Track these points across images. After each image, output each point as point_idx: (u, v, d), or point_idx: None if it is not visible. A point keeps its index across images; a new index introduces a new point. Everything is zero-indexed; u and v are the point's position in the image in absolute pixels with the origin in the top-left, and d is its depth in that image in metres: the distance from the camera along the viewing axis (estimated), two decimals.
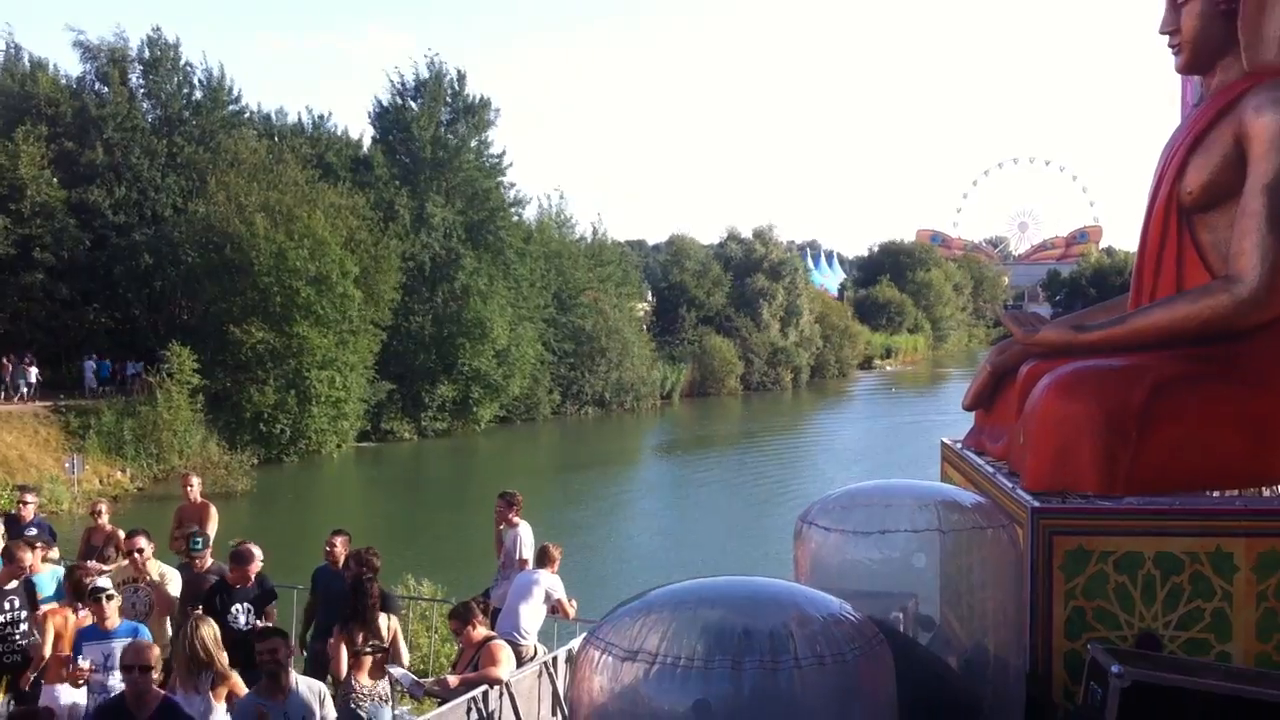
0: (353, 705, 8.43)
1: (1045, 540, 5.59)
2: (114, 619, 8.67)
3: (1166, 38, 6.47)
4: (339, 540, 11.09)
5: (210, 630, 7.97)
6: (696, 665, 3.53)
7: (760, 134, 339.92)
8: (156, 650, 7.71)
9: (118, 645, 8.36)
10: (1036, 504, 5.68)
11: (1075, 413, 5.78)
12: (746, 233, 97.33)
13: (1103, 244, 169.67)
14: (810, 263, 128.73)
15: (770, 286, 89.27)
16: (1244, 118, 5.96)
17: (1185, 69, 6.65)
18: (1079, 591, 5.59)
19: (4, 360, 47.34)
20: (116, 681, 8.17)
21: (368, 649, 8.76)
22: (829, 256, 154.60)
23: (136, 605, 10.04)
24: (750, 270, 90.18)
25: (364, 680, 8.61)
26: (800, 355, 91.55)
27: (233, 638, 9.05)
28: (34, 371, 47.31)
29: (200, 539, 11.31)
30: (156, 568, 10.50)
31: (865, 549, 5.02)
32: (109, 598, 8.72)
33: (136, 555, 10.22)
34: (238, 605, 9.84)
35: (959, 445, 7.62)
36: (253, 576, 10.05)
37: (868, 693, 3.82)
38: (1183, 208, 6.25)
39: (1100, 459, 5.73)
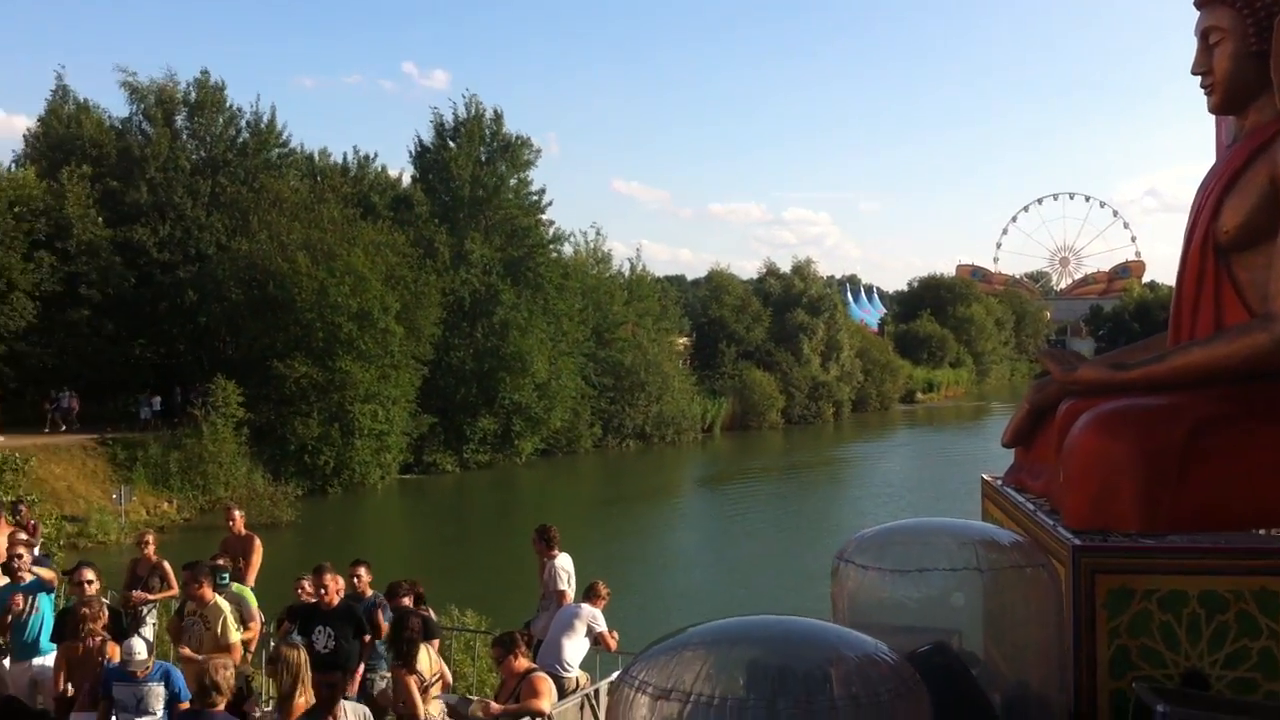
0: None
1: (1088, 578, 5.53)
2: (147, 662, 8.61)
3: (1200, 78, 6.47)
4: (362, 570, 11.32)
5: (299, 656, 8.09)
6: (731, 705, 3.51)
7: (802, 167, 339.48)
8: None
9: (149, 690, 8.43)
10: (1078, 542, 5.62)
11: (1115, 451, 5.73)
12: (785, 267, 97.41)
13: (1145, 279, 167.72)
14: (850, 298, 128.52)
15: (810, 321, 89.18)
16: (1278, 159, 5.94)
17: (1218, 109, 6.62)
18: (1123, 630, 5.52)
19: (49, 393, 48.01)
20: None
21: (431, 682, 8.99)
22: (869, 291, 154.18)
23: (191, 638, 10.22)
24: (790, 305, 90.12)
25: (435, 713, 8.81)
26: (841, 389, 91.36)
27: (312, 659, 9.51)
28: (72, 403, 47.97)
29: (226, 573, 11.57)
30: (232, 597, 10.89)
31: (903, 587, 4.99)
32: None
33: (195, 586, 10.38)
34: (320, 628, 10.06)
35: (999, 482, 7.57)
36: (336, 599, 10.32)
37: None
38: (1219, 247, 6.20)
39: (1141, 497, 5.67)
